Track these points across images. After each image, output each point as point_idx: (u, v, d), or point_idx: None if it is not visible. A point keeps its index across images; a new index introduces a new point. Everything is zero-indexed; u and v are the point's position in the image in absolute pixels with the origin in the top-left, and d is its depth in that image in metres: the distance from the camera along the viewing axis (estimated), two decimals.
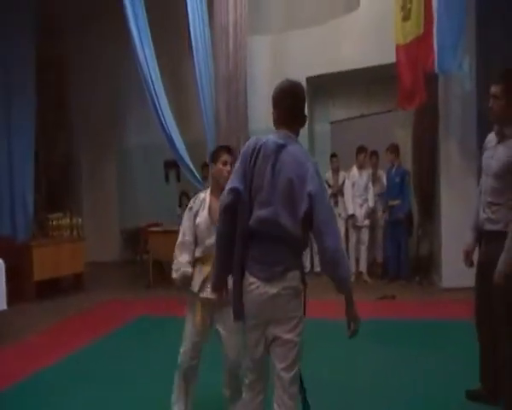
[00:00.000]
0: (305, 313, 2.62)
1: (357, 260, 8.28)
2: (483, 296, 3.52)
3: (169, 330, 6.04)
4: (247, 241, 2.59)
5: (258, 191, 2.55)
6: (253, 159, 2.58)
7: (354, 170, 8.31)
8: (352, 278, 8.05)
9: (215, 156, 3.40)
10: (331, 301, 5.79)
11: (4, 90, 8.82)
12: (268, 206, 2.51)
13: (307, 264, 8.77)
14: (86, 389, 4.49)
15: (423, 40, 6.62)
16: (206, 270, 3.31)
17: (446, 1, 6.14)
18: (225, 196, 2.61)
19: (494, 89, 3.35)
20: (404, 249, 7.94)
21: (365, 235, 8.25)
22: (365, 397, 4.00)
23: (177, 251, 3.41)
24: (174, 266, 3.41)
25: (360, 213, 8.21)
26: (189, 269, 3.36)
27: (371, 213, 8.28)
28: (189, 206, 3.49)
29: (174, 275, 3.39)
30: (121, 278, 9.43)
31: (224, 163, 3.34)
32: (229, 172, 3.08)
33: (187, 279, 3.35)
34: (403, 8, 6.94)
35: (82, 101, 11.56)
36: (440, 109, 7.14)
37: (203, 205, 3.40)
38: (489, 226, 3.40)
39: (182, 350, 3.43)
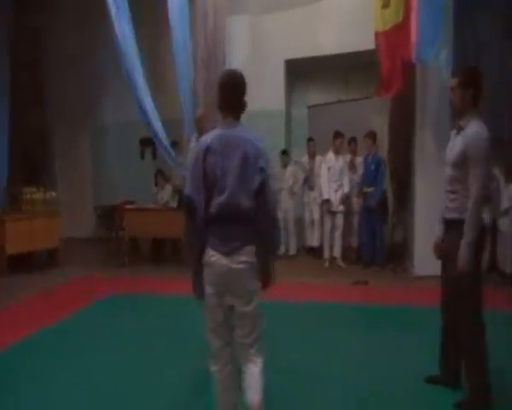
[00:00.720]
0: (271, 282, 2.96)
1: (332, 246, 8.33)
2: (445, 284, 3.68)
3: (143, 308, 6.13)
4: (207, 225, 2.83)
5: (214, 184, 2.79)
6: (202, 159, 2.80)
7: (330, 155, 8.31)
8: (327, 263, 8.22)
9: None
10: (303, 284, 5.94)
11: None
12: (224, 191, 2.77)
13: (282, 248, 8.88)
14: (53, 365, 4.50)
15: (402, 29, 6.71)
16: None
17: None
18: (185, 205, 2.90)
19: (451, 82, 3.54)
20: (379, 236, 8.02)
21: (340, 220, 8.26)
22: (333, 379, 4.09)
23: None
24: None
25: (335, 198, 8.21)
26: None
27: (346, 199, 8.31)
28: None
29: None
30: (96, 255, 9.38)
31: None
32: None
33: None
34: None
35: (58, 76, 11.40)
36: (417, 99, 7.24)
37: None
38: (448, 215, 3.52)
39: None
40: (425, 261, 7.13)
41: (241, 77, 2.92)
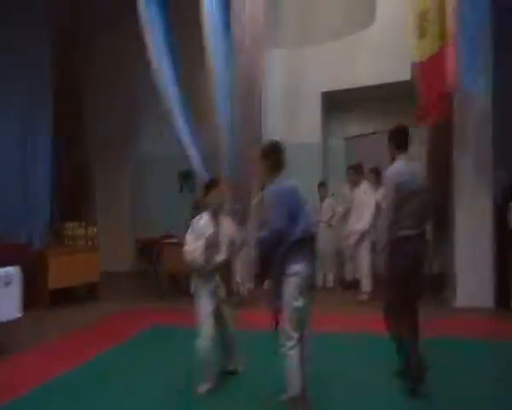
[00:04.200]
0: None
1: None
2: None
3: (182, 340, 6.10)
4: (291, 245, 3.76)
5: (295, 216, 3.78)
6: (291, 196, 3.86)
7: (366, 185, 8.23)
8: (365, 296, 8.01)
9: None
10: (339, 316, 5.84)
11: (23, 103, 9.06)
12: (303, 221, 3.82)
13: (320, 280, 8.79)
14: (96, 399, 4.53)
15: (439, 58, 6.63)
16: None
17: (465, 21, 6.17)
18: (272, 235, 3.80)
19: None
20: None
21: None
22: None
23: None
24: None
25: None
26: None
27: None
28: None
29: None
30: (135, 289, 9.47)
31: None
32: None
33: None
34: (418, 26, 6.95)
35: (97, 111, 11.74)
36: (455, 126, 7.13)
37: None
38: None
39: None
40: (467, 293, 6.98)
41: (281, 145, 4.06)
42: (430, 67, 6.90)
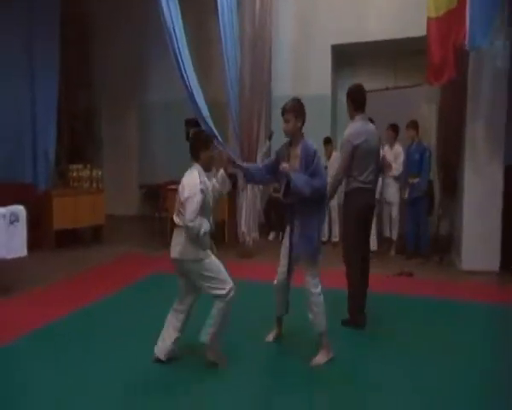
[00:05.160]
0: None
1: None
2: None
3: None
4: None
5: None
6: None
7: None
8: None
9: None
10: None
11: (28, 43, 8.94)
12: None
13: (325, 232, 8.84)
14: (97, 341, 4.65)
15: (456, 14, 6.46)
16: None
17: None
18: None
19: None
20: (424, 227, 7.78)
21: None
22: (372, 367, 4.12)
23: None
24: None
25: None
26: None
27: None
28: None
29: None
30: (140, 233, 9.54)
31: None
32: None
33: None
34: None
35: (105, 56, 11.60)
36: (469, 87, 6.99)
37: None
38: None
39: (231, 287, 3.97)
40: (473, 255, 6.98)
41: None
42: (446, 23, 6.73)
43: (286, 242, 4.26)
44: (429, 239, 7.89)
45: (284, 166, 3.94)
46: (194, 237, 3.79)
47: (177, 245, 3.91)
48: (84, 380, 3.86)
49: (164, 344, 4.08)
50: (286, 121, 4.07)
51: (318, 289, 4.10)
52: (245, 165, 4.96)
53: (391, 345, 4.55)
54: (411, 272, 6.95)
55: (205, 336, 3.95)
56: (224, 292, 3.87)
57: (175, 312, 4.13)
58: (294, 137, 4.11)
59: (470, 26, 6.07)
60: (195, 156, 3.98)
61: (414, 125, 7.82)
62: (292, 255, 4.19)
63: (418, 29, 7.64)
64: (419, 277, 6.83)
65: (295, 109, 4.06)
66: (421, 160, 7.65)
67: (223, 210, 8.44)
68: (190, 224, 3.71)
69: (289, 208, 4.16)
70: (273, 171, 4.22)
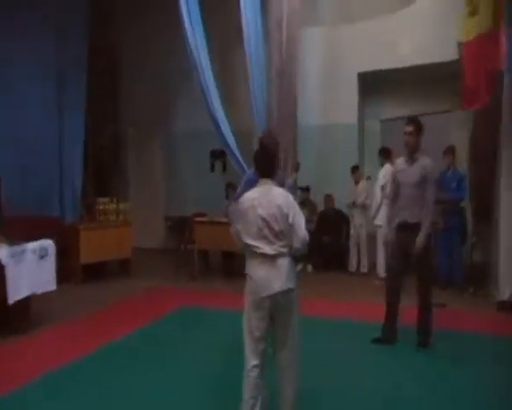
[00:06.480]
0: None
1: None
2: (397, 264, 5.17)
3: (214, 322, 6.02)
4: None
5: None
6: None
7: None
8: None
9: None
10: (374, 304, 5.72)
11: (57, 76, 9.09)
12: None
13: (353, 264, 8.66)
14: (126, 378, 4.53)
15: (491, 37, 6.33)
16: None
17: None
18: None
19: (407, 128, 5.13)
20: (458, 256, 7.54)
21: None
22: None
23: None
24: None
25: None
26: None
27: None
28: None
29: None
30: (166, 266, 9.42)
31: None
32: None
33: None
34: (470, 2, 6.67)
35: (132, 87, 11.66)
36: (504, 111, 6.82)
37: None
38: (411, 220, 5.00)
39: None
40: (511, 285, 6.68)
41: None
42: (478, 47, 6.59)
43: None
44: (463, 269, 7.61)
45: None
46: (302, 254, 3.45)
47: (280, 275, 3.28)
48: None
49: None
50: None
51: None
52: None
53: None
54: (444, 304, 6.60)
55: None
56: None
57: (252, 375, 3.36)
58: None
59: (507, 49, 5.94)
60: (271, 172, 3.48)
61: (451, 150, 7.69)
62: None
63: (446, 54, 7.57)
64: (453, 308, 6.55)
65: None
66: (458, 187, 7.44)
67: None
68: (307, 238, 3.35)
69: None
70: None
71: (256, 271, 3.30)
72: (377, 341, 5.22)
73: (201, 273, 8.59)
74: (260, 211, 3.27)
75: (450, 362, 4.76)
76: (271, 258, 3.28)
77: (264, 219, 3.27)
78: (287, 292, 3.30)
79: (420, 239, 4.89)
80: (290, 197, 3.39)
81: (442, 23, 8.06)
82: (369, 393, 4.08)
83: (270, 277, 3.27)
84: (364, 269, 8.67)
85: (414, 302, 5.15)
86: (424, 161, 5.04)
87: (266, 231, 3.27)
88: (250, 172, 4.53)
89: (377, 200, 8.03)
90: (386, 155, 8.32)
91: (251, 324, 3.31)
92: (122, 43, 11.55)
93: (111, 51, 11.54)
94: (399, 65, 8.96)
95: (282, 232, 3.28)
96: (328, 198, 9.28)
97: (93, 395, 4.15)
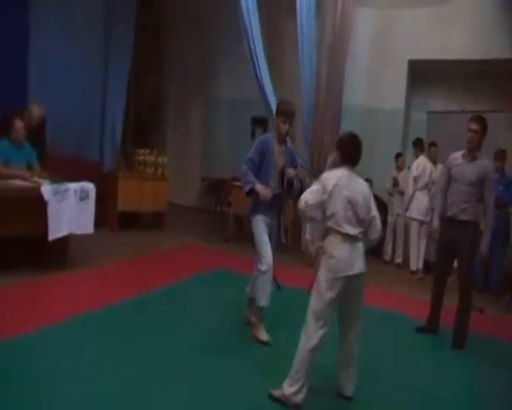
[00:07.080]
0: None
1: None
2: (443, 265, 5.24)
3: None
4: None
5: None
6: None
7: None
8: None
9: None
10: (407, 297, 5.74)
11: (105, 26, 9.24)
12: None
13: (389, 252, 8.66)
14: (152, 331, 4.58)
15: None
16: None
17: None
18: None
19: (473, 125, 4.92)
20: (496, 261, 7.24)
21: None
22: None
23: None
24: None
25: None
26: None
27: None
28: None
29: None
30: (200, 225, 9.53)
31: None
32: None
33: None
34: None
35: (177, 46, 11.67)
36: None
37: None
38: (461, 217, 4.91)
39: None
40: None
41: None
42: None
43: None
44: (501, 275, 7.37)
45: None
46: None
47: (360, 257, 3.43)
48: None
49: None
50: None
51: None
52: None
53: None
54: (483, 308, 6.44)
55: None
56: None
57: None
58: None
59: None
60: (357, 162, 3.66)
61: (503, 155, 7.41)
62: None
63: (502, 51, 7.35)
64: (490, 314, 6.40)
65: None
66: (506, 191, 7.27)
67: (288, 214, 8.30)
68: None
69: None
70: None
71: (339, 250, 3.39)
72: (421, 330, 5.33)
73: (235, 237, 8.61)
74: (346, 192, 3.41)
75: (486, 367, 4.69)
76: (354, 239, 3.41)
77: (350, 202, 3.41)
78: (363, 275, 3.45)
79: (484, 244, 4.93)
80: (370, 189, 3.64)
81: (501, 18, 7.83)
82: (401, 386, 4.09)
83: (353, 258, 3.39)
84: (399, 259, 8.45)
85: (454, 302, 5.13)
86: (484, 161, 4.93)
87: (350, 213, 3.41)
88: (266, 136, 4.79)
89: (409, 191, 7.96)
90: (421, 146, 8.21)
91: (324, 302, 3.38)
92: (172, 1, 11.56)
93: (159, 7, 11.54)
94: (452, 56, 8.74)
95: (363, 220, 3.46)
96: (367, 183, 9.12)
97: (121, 341, 4.26)
